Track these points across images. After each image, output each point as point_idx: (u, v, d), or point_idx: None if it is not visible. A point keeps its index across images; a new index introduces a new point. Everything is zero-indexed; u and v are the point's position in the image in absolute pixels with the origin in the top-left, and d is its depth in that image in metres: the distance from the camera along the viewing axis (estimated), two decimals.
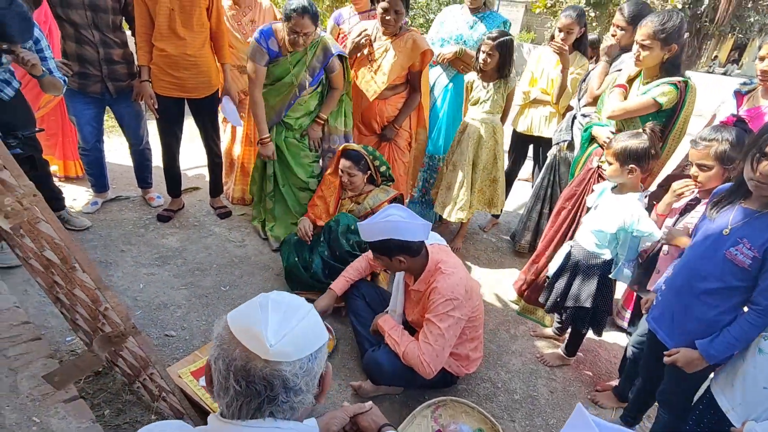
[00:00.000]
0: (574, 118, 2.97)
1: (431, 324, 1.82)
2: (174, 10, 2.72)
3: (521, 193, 4.18)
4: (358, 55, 2.97)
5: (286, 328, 0.78)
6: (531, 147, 3.62)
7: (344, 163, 2.48)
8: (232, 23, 3.11)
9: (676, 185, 1.85)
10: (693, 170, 1.74)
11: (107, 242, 2.90)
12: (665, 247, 1.84)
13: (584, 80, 3.00)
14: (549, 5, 12.18)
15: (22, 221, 1.03)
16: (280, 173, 3.00)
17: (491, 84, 2.92)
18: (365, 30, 2.93)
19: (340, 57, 2.81)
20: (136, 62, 2.90)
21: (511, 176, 3.61)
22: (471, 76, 3.05)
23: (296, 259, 2.56)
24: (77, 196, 3.35)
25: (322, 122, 2.96)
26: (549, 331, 2.61)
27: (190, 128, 3.24)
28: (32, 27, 2.23)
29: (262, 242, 3.12)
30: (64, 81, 2.52)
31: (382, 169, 2.61)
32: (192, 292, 2.58)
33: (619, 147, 1.90)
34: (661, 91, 2.08)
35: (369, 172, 2.54)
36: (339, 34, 3.38)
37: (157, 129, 3.08)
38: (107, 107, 3.05)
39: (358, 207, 2.64)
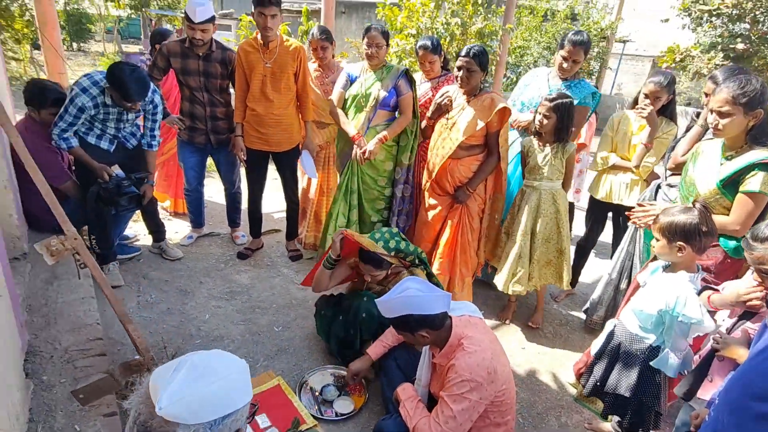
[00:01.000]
0: (659, 187, 2.69)
1: (444, 404, 1.73)
2: (266, 77, 3.11)
3: (602, 263, 3.81)
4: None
5: (186, 392, 0.83)
6: (611, 215, 3.32)
7: (363, 267, 2.41)
8: (315, 83, 3.44)
9: (741, 289, 1.56)
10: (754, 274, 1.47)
11: (191, 273, 3.29)
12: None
13: (672, 147, 2.72)
14: (678, 59, 11.26)
15: (63, 258, 1.26)
16: (347, 209, 3.26)
17: (548, 148, 2.78)
18: (447, 92, 2.99)
19: (410, 85, 3.06)
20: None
21: (587, 246, 3.33)
22: (527, 141, 2.92)
23: (326, 329, 2.61)
24: (179, 230, 3.87)
25: (384, 141, 3.09)
26: (608, 426, 2.30)
27: (276, 177, 3.59)
28: (148, 89, 2.72)
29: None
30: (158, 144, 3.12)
31: (410, 259, 2.49)
32: (248, 328, 2.78)
33: (666, 222, 1.70)
34: (762, 181, 1.83)
35: (391, 266, 2.45)
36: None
37: (245, 175, 3.47)
38: (209, 155, 3.53)
39: (385, 290, 2.52)
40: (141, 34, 16.75)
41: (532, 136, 2.85)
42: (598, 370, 2.04)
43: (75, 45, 16.51)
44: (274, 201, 4.43)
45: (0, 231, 1.91)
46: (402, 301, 1.75)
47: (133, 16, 12.68)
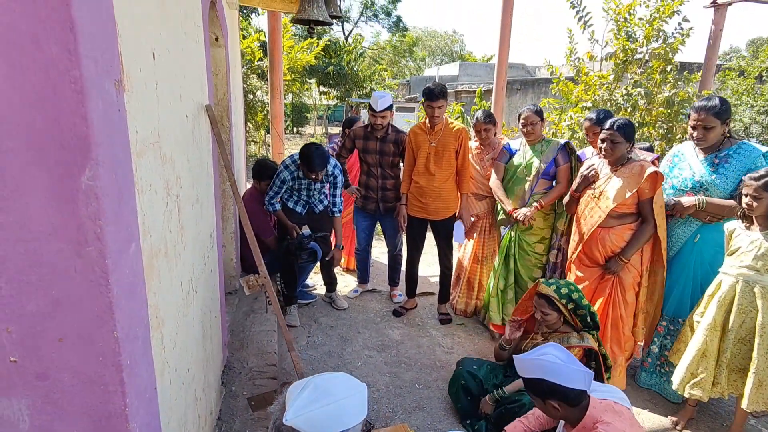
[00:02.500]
0: None
1: None
2: (430, 154, 3.52)
3: None
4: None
5: (307, 409, 1.04)
6: None
7: (537, 301, 2.46)
8: (475, 159, 3.71)
9: None
10: None
11: (352, 323, 3.71)
12: None
13: None
14: None
15: (255, 291, 1.70)
16: (506, 272, 3.42)
17: (757, 232, 2.37)
18: (593, 165, 2.96)
19: (568, 156, 3.23)
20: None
21: None
22: (733, 224, 2.54)
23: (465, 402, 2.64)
24: (348, 284, 4.43)
25: (540, 208, 3.20)
26: None
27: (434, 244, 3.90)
28: (327, 162, 3.35)
29: (466, 353, 3.32)
30: (339, 211, 3.71)
31: (581, 313, 2.44)
32: (392, 380, 3.00)
33: None
34: None
35: (562, 315, 2.43)
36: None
37: (406, 240, 3.85)
38: (378, 221, 4.05)
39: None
40: (343, 117, 20.06)
41: (738, 221, 2.48)
42: None
43: (295, 129, 20.60)
44: (431, 266, 4.71)
45: (222, 271, 2.58)
46: (537, 364, 1.73)
47: (339, 104, 15.31)
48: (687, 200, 2.65)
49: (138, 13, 1.07)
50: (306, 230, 3.73)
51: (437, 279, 4.39)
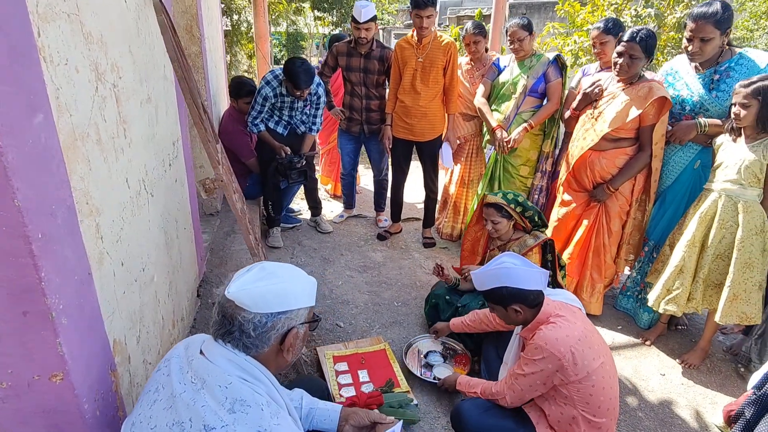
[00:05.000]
0: None
1: (516, 365, 1.74)
2: (417, 71, 3.35)
3: None
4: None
5: (250, 286, 1.03)
6: None
7: (486, 210, 2.45)
8: (465, 76, 3.54)
9: None
10: None
11: (336, 246, 3.73)
12: None
13: None
14: None
15: (212, 194, 1.65)
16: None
17: (744, 144, 2.24)
18: (599, 80, 2.77)
19: (560, 72, 3.07)
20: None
21: None
22: (721, 138, 2.43)
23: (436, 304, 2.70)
24: (334, 210, 4.40)
25: (529, 129, 3.12)
26: None
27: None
28: (313, 78, 3.18)
29: None
30: (317, 130, 3.61)
31: (528, 214, 2.43)
32: (371, 298, 3.05)
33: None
34: None
35: (513, 219, 2.42)
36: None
37: (390, 163, 3.77)
38: (362, 144, 3.94)
39: None
40: None
41: (726, 134, 2.34)
42: (750, 411, 1.69)
43: None
44: (419, 192, 4.66)
45: (193, 186, 2.52)
46: (496, 273, 1.75)
47: (334, 31, 14.57)
48: (686, 124, 2.47)
49: None
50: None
51: (422, 204, 4.36)
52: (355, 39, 3.49)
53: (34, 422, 0.95)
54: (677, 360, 2.59)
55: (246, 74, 9.21)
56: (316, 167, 4.50)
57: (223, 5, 6.21)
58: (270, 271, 1.08)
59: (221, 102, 3.91)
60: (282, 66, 3.24)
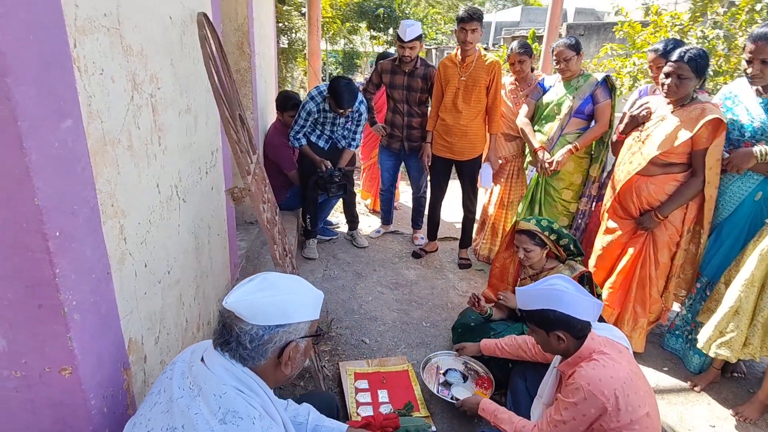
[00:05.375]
0: None
1: (555, 407, 1.59)
2: (459, 89, 3.32)
3: None
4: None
5: (249, 296, 1.02)
6: None
7: (518, 237, 2.32)
8: (508, 96, 3.47)
9: None
10: None
11: (370, 261, 3.72)
12: None
13: None
14: None
15: (241, 203, 1.69)
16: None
17: None
18: (647, 102, 2.64)
19: (609, 93, 2.94)
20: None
21: None
22: None
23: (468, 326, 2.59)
24: (372, 224, 4.41)
25: (574, 151, 2.99)
26: None
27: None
28: (356, 99, 3.25)
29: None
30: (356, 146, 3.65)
31: (564, 242, 2.30)
32: (400, 317, 3.00)
33: None
34: None
35: (547, 247, 2.30)
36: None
37: (429, 180, 3.74)
38: (402, 161, 3.94)
39: None
40: None
41: None
42: None
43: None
44: (458, 211, 4.59)
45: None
46: (546, 294, 1.62)
47: (387, 49, 14.85)
48: (743, 151, 2.26)
49: None
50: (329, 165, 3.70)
51: (460, 223, 4.27)
52: (400, 57, 3.52)
53: (43, 413, 0.99)
54: (731, 411, 2.35)
55: (302, 90, 9.54)
56: (356, 181, 4.55)
57: (280, 24, 6.50)
58: (271, 282, 1.07)
59: (268, 115, 4.06)
60: (328, 83, 3.32)
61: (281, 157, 3.64)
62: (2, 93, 0.77)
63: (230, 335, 1.01)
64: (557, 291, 1.61)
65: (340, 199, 3.82)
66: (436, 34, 13.80)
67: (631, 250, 2.62)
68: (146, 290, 1.36)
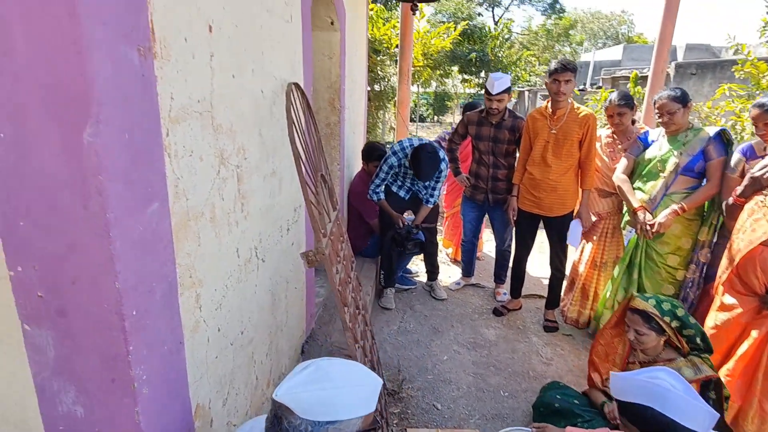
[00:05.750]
0: None
1: None
2: (549, 143, 3.17)
3: None
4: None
5: (300, 389, 0.98)
6: None
7: (630, 316, 2.02)
8: (604, 149, 3.22)
9: None
10: None
11: (448, 315, 3.59)
12: None
13: None
14: None
15: (315, 266, 1.72)
16: (628, 284, 2.99)
17: None
18: None
19: (725, 149, 2.64)
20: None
21: None
22: None
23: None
24: (453, 275, 4.28)
25: (680, 213, 2.68)
26: None
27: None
28: (435, 172, 3.26)
29: (568, 369, 2.95)
30: (434, 203, 3.56)
31: (688, 333, 1.96)
32: (476, 382, 2.82)
33: None
34: None
35: (666, 335, 1.97)
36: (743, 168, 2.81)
37: (514, 235, 3.56)
38: (486, 213, 3.81)
39: None
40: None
41: None
42: None
43: (436, 117, 20.66)
44: (544, 266, 4.30)
45: (312, 246, 2.67)
46: (646, 387, 1.42)
47: (479, 91, 14.88)
48: None
49: None
50: (409, 216, 3.70)
51: (547, 281, 3.99)
52: (487, 109, 3.47)
53: None
54: None
55: (391, 132, 9.83)
56: (439, 227, 4.48)
57: (372, 73, 6.81)
58: (324, 373, 1.03)
59: (355, 164, 4.19)
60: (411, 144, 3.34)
61: (364, 205, 3.72)
62: (95, 189, 0.84)
63: (280, 427, 0.99)
64: (661, 387, 1.39)
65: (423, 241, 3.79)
66: (530, 76, 13.57)
67: (754, 333, 2.23)
68: (217, 354, 1.40)
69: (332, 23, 3.12)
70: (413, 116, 15.82)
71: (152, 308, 1.02)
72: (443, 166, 3.40)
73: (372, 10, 7.24)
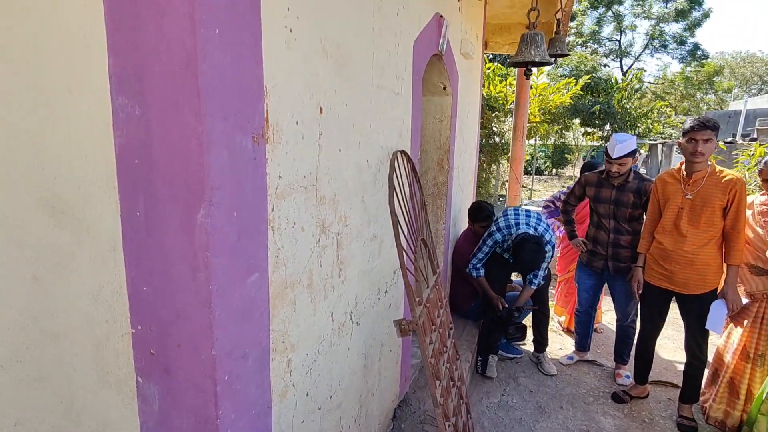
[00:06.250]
0: None
1: None
2: (683, 209, 2.80)
3: None
4: None
5: None
6: None
7: None
8: (758, 219, 2.74)
9: None
10: None
11: (557, 394, 3.23)
12: None
13: None
14: None
15: (406, 336, 1.68)
16: None
17: None
18: None
19: None
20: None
21: None
22: None
23: None
24: (564, 347, 3.89)
25: None
26: None
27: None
28: (537, 266, 3.10)
29: None
30: (538, 284, 3.29)
31: None
32: None
33: None
34: None
35: None
36: None
37: (640, 310, 3.14)
38: (605, 282, 3.44)
39: None
40: None
41: None
42: None
43: (554, 170, 19.75)
44: (678, 350, 3.68)
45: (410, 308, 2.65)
46: None
47: (603, 144, 13.95)
48: None
49: (304, 74, 1.24)
50: (517, 278, 3.50)
51: (682, 367, 3.43)
52: (607, 171, 3.21)
53: None
54: None
55: (503, 187, 9.62)
56: (550, 290, 4.14)
57: (485, 129, 6.81)
58: None
59: (461, 223, 4.13)
60: (525, 209, 3.21)
61: (468, 264, 3.61)
62: (203, 263, 0.94)
63: None
64: None
65: (530, 312, 3.53)
66: (663, 127, 12.37)
67: None
68: (304, 418, 1.42)
69: (444, 88, 3.21)
70: (529, 169, 15.34)
71: (244, 373, 1.07)
72: (549, 254, 3.20)
73: (489, 68, 7.35)
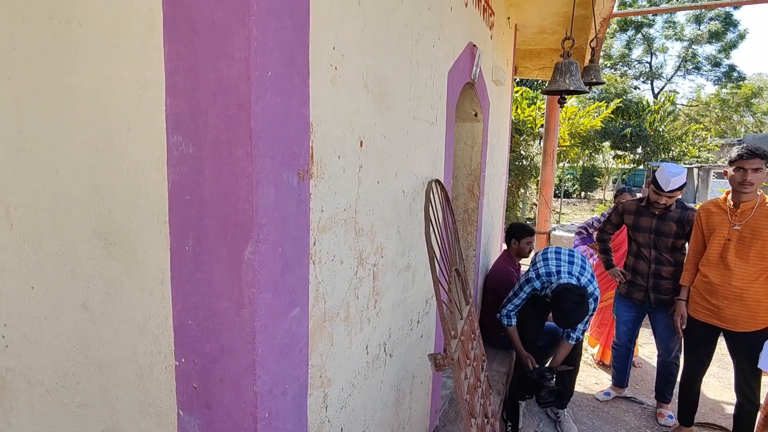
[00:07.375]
0: None
1: None
2: (730, 241, 2.68)
3: None
4: None
5: None
6: None
7: None
8: None
9: None
10: None
11: (591, 431, 3.08)
12: None
13: None
14: None
15: (442, 370, 1.64)
16: None
17: None
18: None
19: None
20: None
21: None
22: None
23: None
24: (600, 381, 3.72)
25: None
26: None
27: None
28: (578, 322, 2.68)
29: None
30: (577, 339, 2.95)
31: None
32: None
33: None
34: None
35: None
36: None
37: (683, 347, 2.99)
38: (645, 314, 3.30)
39: None
40: (643, 183, 17.62)
41: None
42: None
43: (583, 193, 19.37)
44: (726, 389, 3.47)
45: (440, 337, 2.60)
46: None
47: (635, 167, 13.63)
48: None
49: (347, 109, 1.26)
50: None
51: (732, 409, 3.23)
52: (649, 200, 3.11)
53: None
54: None
55: (532, 210, 9.48)
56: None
57: (513, 153, 6.76)
58: None
59: (491, 249, 4.08)
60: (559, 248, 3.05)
61: (505, 283, 3.45)
62: (248, 299, 0.94)
63: None
64: None
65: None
66: (699, 151, 12.00)
67: None
68: None
69: (476, 115, 3.21)
70: (557, 192, 15.08)
71: (282, 411, 1.06)
72: (592, 307, 2.86)
73: (517, 92, 7.34)
